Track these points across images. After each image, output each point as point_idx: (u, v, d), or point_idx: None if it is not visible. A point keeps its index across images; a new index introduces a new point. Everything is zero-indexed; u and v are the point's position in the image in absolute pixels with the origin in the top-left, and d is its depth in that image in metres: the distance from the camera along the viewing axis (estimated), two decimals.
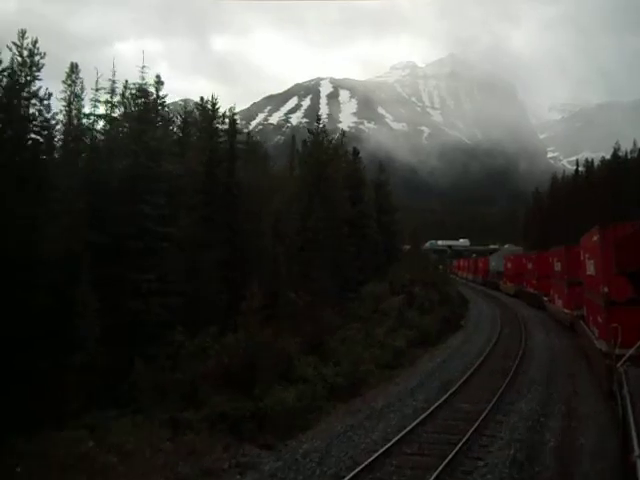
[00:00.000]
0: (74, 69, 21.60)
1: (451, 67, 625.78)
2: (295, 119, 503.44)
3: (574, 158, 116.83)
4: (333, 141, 43.23)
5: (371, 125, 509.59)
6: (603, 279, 17.35)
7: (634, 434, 6.69)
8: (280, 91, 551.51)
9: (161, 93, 25.41)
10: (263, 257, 30.07)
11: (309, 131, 41.76)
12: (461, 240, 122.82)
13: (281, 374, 19.29)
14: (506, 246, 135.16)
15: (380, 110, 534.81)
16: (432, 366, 25.77)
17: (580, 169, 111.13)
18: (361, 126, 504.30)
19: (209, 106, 31.03)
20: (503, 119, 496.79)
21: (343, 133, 51.12)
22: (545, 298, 46.64)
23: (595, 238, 18.70)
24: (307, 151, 42.46)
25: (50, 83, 18.76)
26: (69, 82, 21.39)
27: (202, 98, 31.47)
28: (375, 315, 37.24)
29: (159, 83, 25.20)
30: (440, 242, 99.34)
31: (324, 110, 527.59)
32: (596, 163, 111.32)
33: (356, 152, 69.53)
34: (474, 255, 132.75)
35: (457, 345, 32.89)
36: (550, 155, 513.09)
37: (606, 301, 17.01)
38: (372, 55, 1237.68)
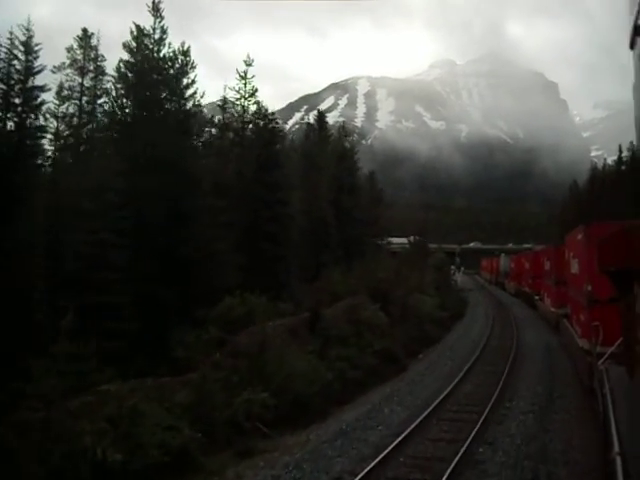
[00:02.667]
0: None
1: (491, 65, 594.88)
2: (332, 118, 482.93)
3: None
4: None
5: (409, 124, 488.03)
6: (586, 278, 17.08)
7: (614, 431, 6.33)
8: (317, 90, 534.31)
9: None
10: None
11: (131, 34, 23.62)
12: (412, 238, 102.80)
13: None
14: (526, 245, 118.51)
15: (418, 108, 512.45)
16: None
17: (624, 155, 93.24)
18: (398, 125, 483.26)
19: None
20: (545, 118, 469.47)
21: (247, 71, 32.80)
22: (537, 297, 45.07)
23: (579, 236, 18.39)
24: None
25: None
26: None
27: None
28: (217, 355, 19.63)
29: None
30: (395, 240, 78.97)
31: (361, 109, 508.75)
32: None
33: (321, 117, 52.43)
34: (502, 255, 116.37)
35: (331, 437, 14.94)
36: (594, 154, 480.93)
37: (589, 300, 16.69)
38: (410, 54, 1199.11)
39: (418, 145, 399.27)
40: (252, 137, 32.36)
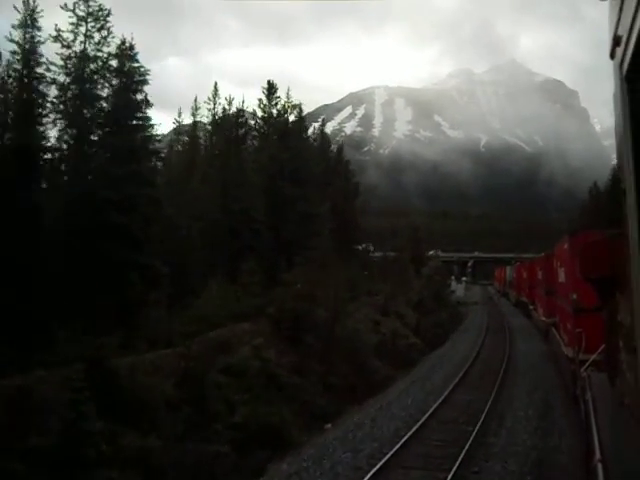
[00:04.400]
0: None
1: (509, 73, 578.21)
2: (349, 128, 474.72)
3: None
4: None
5: (427, 133, 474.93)
6: (572, 286, 17.09)
7: (596, 438, 5.85)
8: (334, 100, 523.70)
9: None
10: None
11: None
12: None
13: None
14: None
15: (436, 118, 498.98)
16: None
17: None
18: (417, 134, 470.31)
19: None
20: (565, 126, 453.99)
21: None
22: (531, 307, 43.85)
23: (565, 246, 18.70)
24: None
25: None
26: None
27: None
28: None
29: None
30: None
31: (379, 119, 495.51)
32: None
33: (270, 88, 41.29)
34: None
35: None
36: (615, 162, 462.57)
37: (574, 308, 16.74)
38: (428, 63, 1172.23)
39: (433, 153, 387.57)
40: (98, 80, 21.07)
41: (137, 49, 21.50)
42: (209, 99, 38.74)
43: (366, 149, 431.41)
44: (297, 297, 21.25)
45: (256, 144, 40.71)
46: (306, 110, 41.64)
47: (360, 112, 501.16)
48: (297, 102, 39.06)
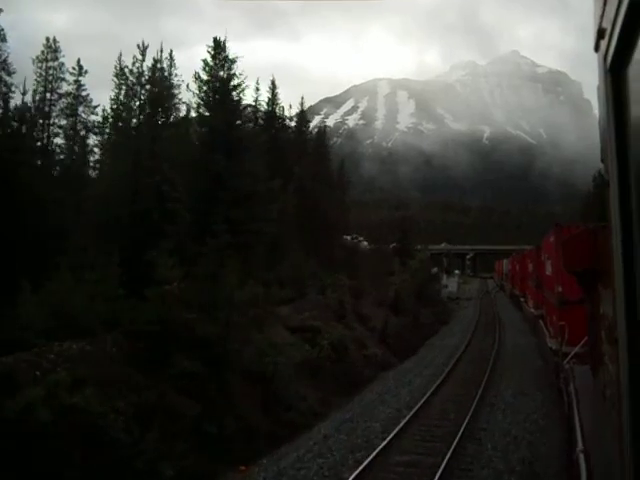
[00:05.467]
0: None
1: (513, 65, 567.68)
2: (352, 121, 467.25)
3: None
4: None
5: (429, 125, 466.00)
6: (557, 279, 16.80)
7: (578, 429, 6.45)
8: (337, 93, 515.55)
9: None
10: None
11: None
12: None
13: None
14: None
15: (439, 110, 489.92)
16: None
17: None
18: (420, 127, 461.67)
19: None
20: (570, 119, 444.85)
21: None
22: (522, 299, 43.17)
23: (552, 239, 18.63)
24: None
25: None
26: None
27: None
28: None
29: None
30: None
31: (381, 111, 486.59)
32: None
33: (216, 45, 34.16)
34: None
35: None
36: None
37: (559, 300, 16.53)
38: (431, 55, 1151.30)
39: (436, 145, 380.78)
40: None
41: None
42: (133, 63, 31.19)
43: (369, 142, 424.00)
44: (170, 301, 14.33)
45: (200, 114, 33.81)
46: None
47: (363, 105, 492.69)
48: (235, 56, 31.37)
